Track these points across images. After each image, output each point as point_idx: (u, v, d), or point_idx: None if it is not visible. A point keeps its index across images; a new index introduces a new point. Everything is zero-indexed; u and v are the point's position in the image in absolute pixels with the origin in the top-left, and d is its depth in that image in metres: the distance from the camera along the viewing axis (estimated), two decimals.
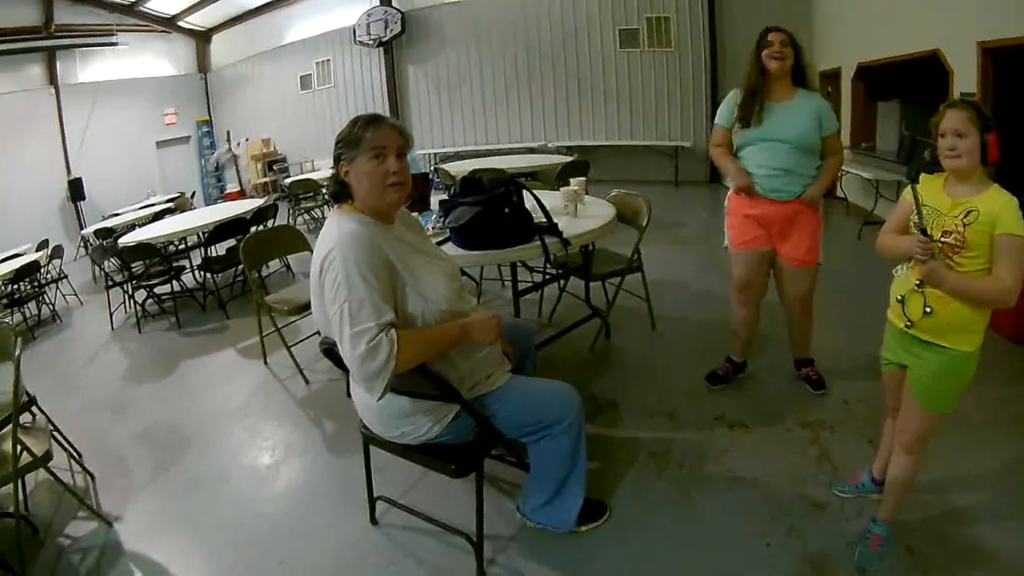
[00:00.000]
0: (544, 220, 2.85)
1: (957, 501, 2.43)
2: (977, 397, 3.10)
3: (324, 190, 8.84)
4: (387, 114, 10.54)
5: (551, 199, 3.26)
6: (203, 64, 14.27)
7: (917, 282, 1.90)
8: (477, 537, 2.18)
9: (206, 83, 14.33)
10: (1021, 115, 4.83)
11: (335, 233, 1.82)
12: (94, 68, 12.23)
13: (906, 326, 1.97)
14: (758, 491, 2.56)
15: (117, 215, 9.31)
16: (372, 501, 2.47)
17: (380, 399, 1.80)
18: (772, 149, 2.93)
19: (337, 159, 1.93)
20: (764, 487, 2.58)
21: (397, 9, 11.36)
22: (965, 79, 5.28)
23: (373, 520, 2.48)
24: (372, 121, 1.89)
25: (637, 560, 2.23)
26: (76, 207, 11.36)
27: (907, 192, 1.94)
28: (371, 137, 1.86)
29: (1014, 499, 2.44)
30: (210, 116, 14.37)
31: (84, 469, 3.08)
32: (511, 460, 2.34)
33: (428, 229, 3.00)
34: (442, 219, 2.85)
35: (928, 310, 1.88)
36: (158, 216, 7.68)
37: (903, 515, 2.26)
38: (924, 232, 1.81)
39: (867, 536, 2.18)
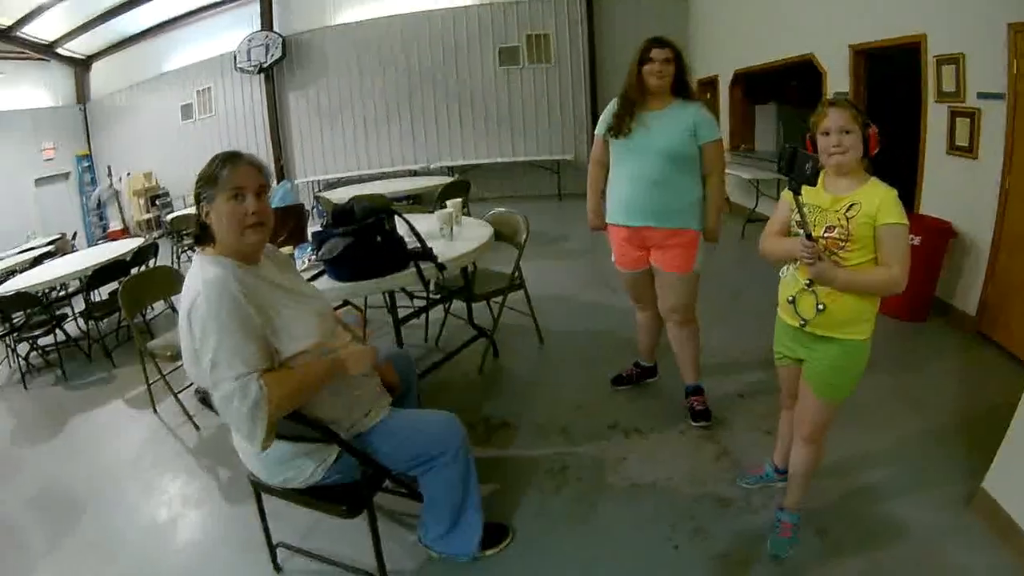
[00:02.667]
0: (419, 246, 2.85)
1: (861, 481, 2.57)
2: (871, 378, 3.28)
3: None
4: (268, 143, 10.31)
5: (427, 222, 3.27)
6: (83, 94, 13.46)
7: (807, 282, 1.96)
8: (380, 574, 2.16)
9: (85, 114, 13.55)
10: (888, 110, 5.24)
11: (199, 279, 1.75)
12: None
13: (800, 325, 2.02)
14: (660, 495, 2.62)
15: None
16: (272, 548, 2.40)
17: (264, 449, 1.76)
18: (642, 159, 2.90)
19: (197, 199, 1.86)
20: (666, 491, 2.65)
21: (278, 33, 11.15)
22: (838, 79, 5.67)
23: (276, 568, 2.41)
24: (228, 159, 1.83)
25: None
26: None
27: (785, 194, 1.98)
28: (228, 176, 1.79)
29: (915, 472, 2.61)
30: (90, 149, 13.61)
31: None
32: (403, 492, 2.32)
33: (304, 262, 2.95)
34: (315, 252, 2.81)
35: (821, 307, 1.94)
36: (38, 260, 7.23)
37: (810, 501, 2.34)
38: (809, 236, 1.85)
39: (776, 525, 2.26)
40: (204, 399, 1.92)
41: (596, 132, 3.15)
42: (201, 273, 1.77)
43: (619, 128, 2.92)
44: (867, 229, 1.85)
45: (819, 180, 1.94)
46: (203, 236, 1.89)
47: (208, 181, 1.82)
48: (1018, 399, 2.22)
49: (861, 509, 2.42)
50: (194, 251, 6.11)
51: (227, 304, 1.71)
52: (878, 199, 1.85)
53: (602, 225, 3.22)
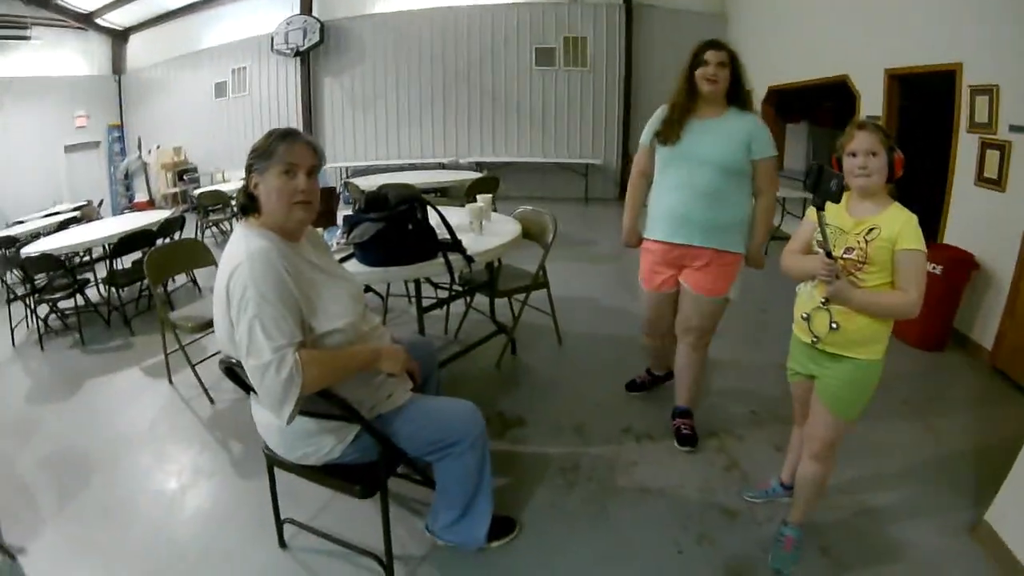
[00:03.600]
0: (448, 237, 2.86)
1: (868, 501, 2.56)
2: (885, 402, 3.30)
3: (234, 203, 8.59)
4: (300, 126, 10.35)
5: (457, 215, 3.28)
6: (118, 65, 13.55)
7: (822, 300, 1.97)
8: (386, 558, 2.17)
9: (120, 86, 13.64)
10: (919, 135, 5.22)
11: (243, 249, 1.78)
12: (4, 62, 11.46)
13: (812, 341, 2.04)
14: (668, 501, 2.63)
15: (21, 223, 8.80)
16: (280, 524, 2.42)
17: (289, 423, 1.78)
18: (691, 169, 2.72)
19: (248, 170, 1.88)
20: (674, 497, 2.66)
21: (316, 18, 11.18)
22: (871, 102, 5.64)
23: (282, 544, 2.42)
24: (287, 135, 1.86)
25: (549, 573, 2.26)
26: None
27: (810, 212, 2.01)
28: (284, 152, 1.82)
29: (922, 496, 2.61)
30: (122, 121, 13.72)
31: None
32: (417, 479, 2.33)
33: (333, 245, 2.96)
34: (346, 235, 2.83)
35: (834, 326, 1.95)
36: (63, 225, 7.31)
37: (816, 517, 2.36)
38: (829, 255, 1.88)
39: (779, 538, 2.27)
40: (229, 369, 1.93)
41: (641, 140, 2.95)
42: (245, 243, 1.79)
43: (667, 134, 2.74)
44: (885, 253, 1.87)
45: (843, 201, 1.95)
46: (248, 207, 1.91)
47: (262, 154, 1.84)
48: None
49: (865, 529, 2.42)
50: (219, 227, 6.21)
51: (270, 276, 1.73)
52: (899, 224, 1.86)
53: (636, 243, 3.06)
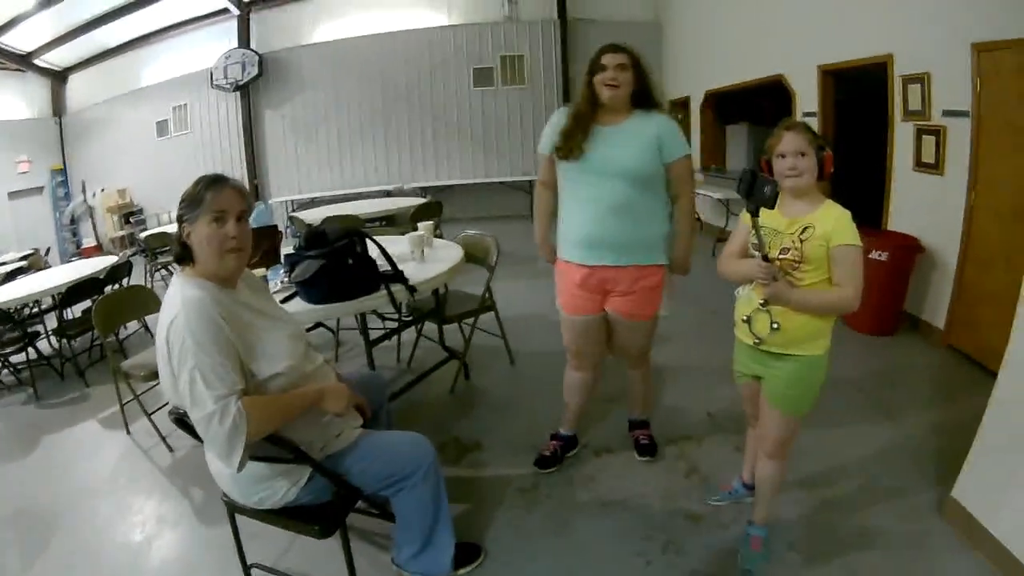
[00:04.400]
0: (389, 268, 2.88)
1: (833, 492, 2.62)
2: (838, 390, 3.38)
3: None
4: (243, 160, 10.25)
5: (399, 245, 3.30)
6: (58, 107, 13.28)
7: (761, 302, 2.01)
8: None
9: (61, 128, 13.38)
10: (856, 127, 5.41)
11: (178, 300, 1.79)
12: None
13: (755, 343, 2.07)
14: (631, 512, 2.66)
15: None
16: (247, 570, 2.41)
17: (240, 470, 1.79)
18: (599, 182, 2.50)
19: (180, 220, 1.89)
20: (637, 507, 2.68)
21: (255, 51, 11.17)
22: (807, 99, 5.84)
23: None
24: (214, 182, 1.88)
25: None
26: None
27: (744, 217, 2.05)
28: (211, 199, 1.84)
29: (887, 480, 2.68)
30: (65, 164, 13.44)
31: None
32: (374, 512, 2.36)
33: (277, 284, 2.97)
34: (288, 274, 2.84)
35: (775, 326, 1.99)
36: (10, 276, 7.14)
37: (781, 513, 2.41)
38: (765, 258, 1.91)
39: (746, 539, 2.31)
40: (180, 419, 1.94)
41: (540, 149, 2.67)
42: (181, 294, 1.81)
43: (569, 148, 2.49)
44: (821, 251, 1.91)
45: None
46: (183, 256, 1.92)
47: (191, 202, 1.86)
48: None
49: (833, 520, 2.47)
50: (168, 270, 6.12)
51: (206, 325, 1.75)
52: (832, 221, 1.91)
53: (553, 257, 2.80)
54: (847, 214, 1.93)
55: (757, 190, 1.83)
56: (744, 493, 2.61)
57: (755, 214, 1.88)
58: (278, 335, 1.98)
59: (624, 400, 3.32)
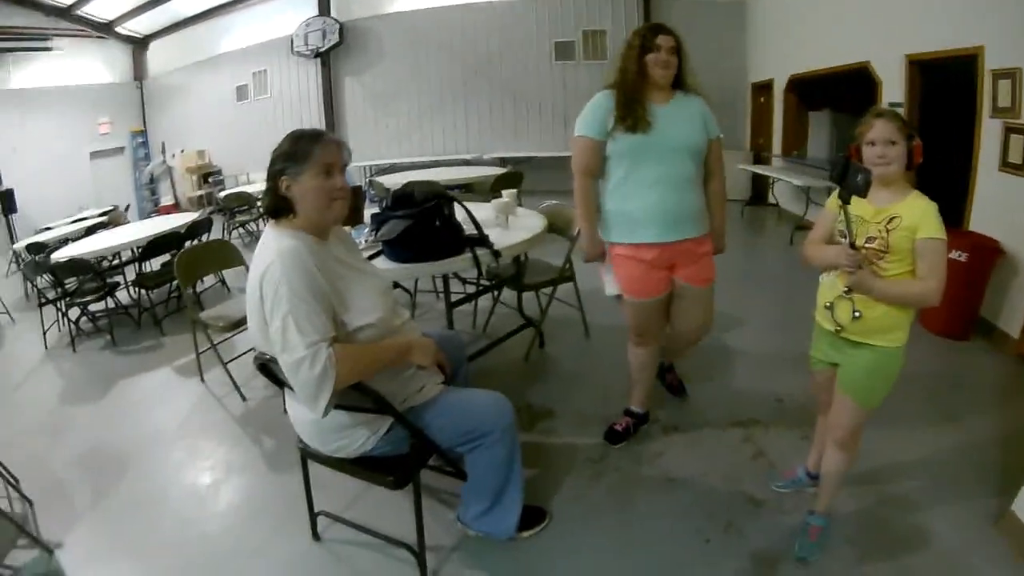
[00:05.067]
0: (475, 232, 2.87)
1: (893, 491, 2.55)
2: (906, 390, 3.26)
3: (259, 203, 8.69)
4: (322, 126, 10.46)
5: (483, 211, 3.29)
6: (139, 72, 13.80)
7: (845, 289, 1.97)
8: (419, 548, 2.20)
9: (142, 92, 13.88)
10: (941, 121, 5.16)
11: (273, 249, 1.82)
12: (27, 73, 11.76)
13: (836, 330, 2.04)
14: (695, 491, 2.63)
15: (50, 229, 8.95)
16: (313, 517, 2.46)
17: (324, 416, 1.81)
18: (667, 159, 2.55)
19: (279, 173, 1.90)
20: (700, 487, 2.66)
21: (335, 19, 11.29)
22: (892, 89, 5.58)
23: (315, 536, 2.47)
24: (317, 137, 1.90)
25: (580, 562, 2.28)
26: (7, 220, 10.83)
27: (831, 203, 2.03)
28: (320, 153, 1.87)
29: (946, 484, 2.58)
30: (145, 126, 13.94)
31: (22, 495, 2.94)
32: (449, 470, 2.36)
33: (361, 243, 2.98)
34: (374, 233, 2.86)
35: (857, 314, 1.95)
36: (91, 230, 7.44)
37: (841, 507, 2.36)
38: (852, 245, 1.87)
39: (805, 528, 2.27)
40: (264, 366, 1.97)
41: (584, 133, 2.61)
42: (276, 243, 1.83)
43: (636, 121, 2.50)
44: (906, 242, 1.87)
45: None
46: (280, 209, 1.93)
47: (294, 157, 1.87)
48: None
49: (890, 519, 2.40)
50: (245, 228, 6.29)
51: (301, 274, 1.77)
52: (919, 212, 1.86)
53: (601, 255, 2.78)
54: (934, 206, 1.88)
55: (851, 178, 1.80)
56: (807, 482, 2.55)
57: (846, 202, 1.86)
58: (368, 288, 2.00)
59: (691, 378, 3.39)
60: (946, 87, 5.18)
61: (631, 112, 2.50)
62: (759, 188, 9.40)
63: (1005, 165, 4.12)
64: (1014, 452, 2.72)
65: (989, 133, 4.29)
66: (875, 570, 2.16)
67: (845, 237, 1.90)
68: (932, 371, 3.66)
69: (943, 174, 4.66)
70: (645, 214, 2.59)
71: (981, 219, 4.39)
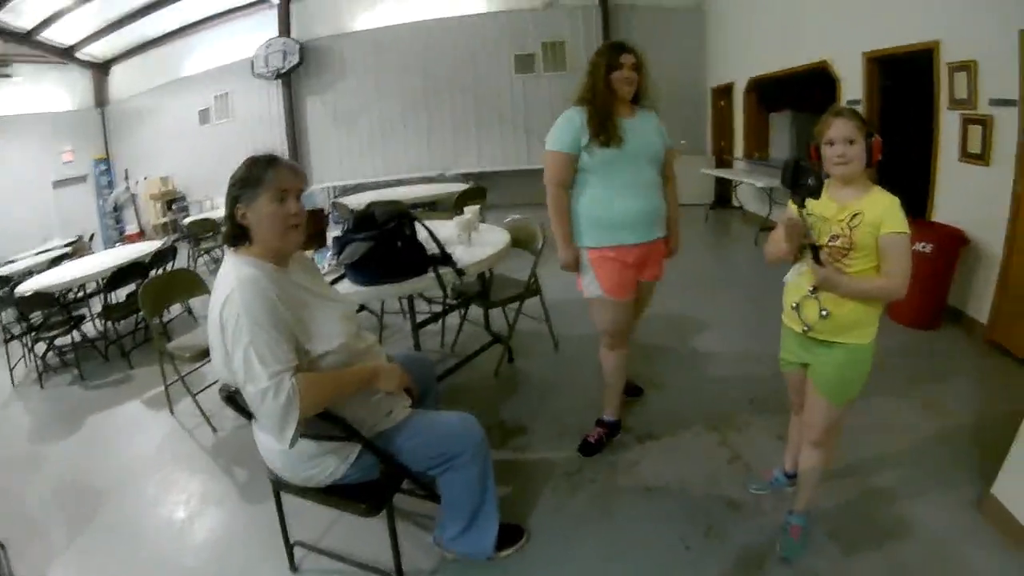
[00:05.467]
0: (438, 251, 2.87)
1: (873, 482, 2.59)
2: (880, 381, 3.32)
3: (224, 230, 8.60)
4: (285, 148, 10.38)
5: (446, 229, 3.29)
6: (101, 97, 13.57)
7: (811, 288, 1.99)
8: (397, 574, 2.18)
9: (103, 118, 13.67)
10: (901, 115, 5.27)
11: (232, 277, 1.80)
12: None
13: (804, 330, 2.06)
14: (673, 497, 2.65)
15: (12, 262, 8.80)
16: (290, 548, 2.43)
17: (292, 446, 1.79)
18: (637, 167, 2.73)
19: (235, 200, 1.89)
20: (679, 493, 2.68)
21: (295, 40, 11.25)
22: (851, 86, 5.70)
23: (293, 567, 2.43)
24: (272, 162, 1.88)
25: None
26: None
27: (791, 207, 2.03)
28: (273, 178, 1.85)
29: (930, 473, 2.63)
30: (107, 153, 13.74)
31: None
32: (421, 493, 2.35)
33: (324, 267, 2.97)
34: (337, 256, 2.84)
35: (824, 313, 1.97)
36: (56, 261, 7.31)
37: (822, 502, 2.38)
38: (814, 247, 1.91)
39: (786, 528, 2.29)
40: (229, 397, 1.95)
41: (554, 148, 2.75)
42: (235, 272, 1.81)
43: (610, 135, 2.66)
44: (869, 238, 1.89)
45: (823, 189, 1.95)
46: (237, 236, 1.92)
47: (249, 182, 1.86)
48: None
49: (872, 511, 2.44)
50: (210, 255, 6.21)
51: (261, 303, 1.76)
52: (881, 208, 1.88)
53: (573, 261, 2.87)
54: (896, 201, 1.90)
55: (802, 180, 1.84)
56: (785, 482, 2.58)
57: (801, 204, 1.90)
58: (330, 314, 1.98)
59: (664, 386, 3.48)
60: (905, 81, 5.30)
61: (604, 128, 2.66)
62: (722, 191, 9.53)
63: (965, 155, 4.22)
64: (990, 436, 2.76)
65: (948, 125, 4.40)
66: (862, 563, 2.19)
67: (807, 241, 1.93)
68: (905, 361, 3.74)
69: (905, 167, 4.77)
70: (625, 218, 2.75)
71: (944, 209, 4.50)
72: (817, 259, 1.94)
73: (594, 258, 2.80)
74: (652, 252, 2.88)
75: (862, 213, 1.89)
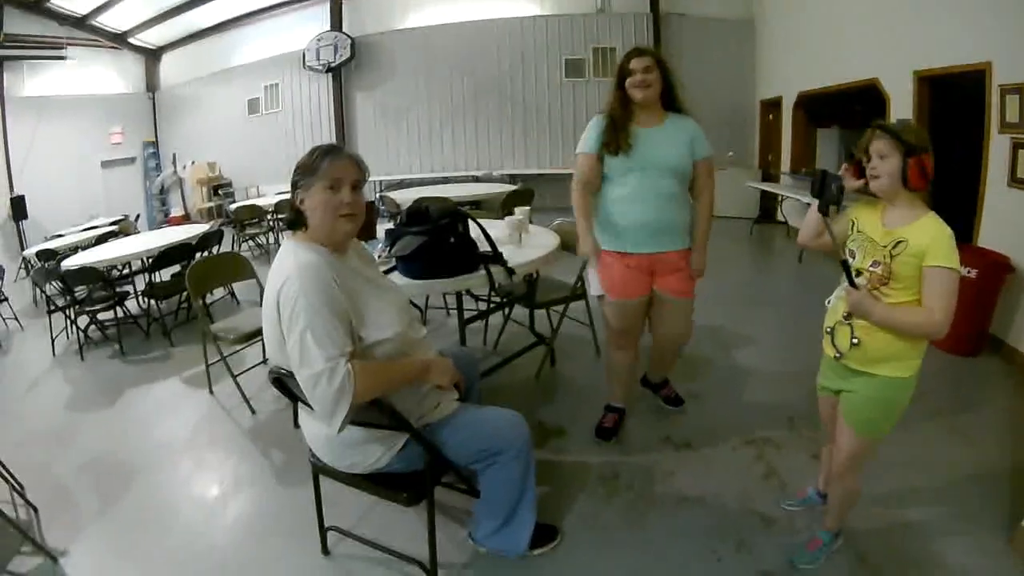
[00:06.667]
0: (489, 249, 2.87)
1: (907, 514, 2.53)
2: (919, 409, 3.26)
3: (270, 217, 8.77)
4: (333, 141, 10.56)
5: (496, 228, 3.28)
6: (152, 83, 13.93)
7: (845, 314, 1.93)
8: (431, 565, 2.19)
9: (154, 102, 14.00)
10: (950, 137, 5.16)
11: (292, 262, 1.82)
12: (41, 81, 11.88)
13: (836, 356, 1.99)
14: (707, 509, 2.62)
15: (60, 236, 9.01)
16: (323, 532, 2.45)
17: (340, 431, 1.81)
18: (649, 177, 2.74)
19: (294, 186, 1.93)
20: (713, 506, 2.65)
21: (347, 35, 11.38)
22: (901, 105, 5.60)
23: (325, 551, 2.45)
24: (330, 151, 1.91)
25: None
26: (18, 226, 10.92)
27: (819, 219, 2.01)
28: (327, 168, 1.87)
29: (959, 506, 2.57)
30: (156, 137, 14.04)
31: (27, 502, 2.94)
32: (461, 487, 2.35)
33: (376, 257, 2.99)
34: (388, 248, 2.86)
35: (855, 341, 1.90)
36: (101, 239, 7.47)
37: (854, 525, 2.35)
38: (845, 263, 1.89)
39: (809, 539, 2.28)
40: (278, 380, 1.97)
41: (584, 149, 2.84)
42: (294, 257, 1.83)
43: (617, 144, 2.72)
44: (911, 268, 1.79)
45: (879, 211, 1.91)
46: (296, 222, 1.95)
47: (307, 170, 1.89)
48: None
49: (902, 540, 2.39)
50: (255, 241, 6.31)
51: (320, 288, 1.77)
52: (928, 238, 1.78)
53: (595, 253, 2.85)
54: (947, 232, 1.78)
55: (826, 188, 1.84)
56: (817, 501, 2.53)
57: (825, 213, 1.88)
58: (386, 303, 1.99)
59: (704, 397, 3.44)
60: (955, 103, 5.19)
61: (613, 138, 2.73)
62: (767, 205, 9.39)
63: (1014, 181, 4.14)
64: None
65: (998, 149, 4.31)
66: None
67: (853, 256, 1.91)
68: (942, 389, 3.66)
69: (953, 190, 4.67)
70: (627, 227, 2.81)
71: (990, 235, 4.40)
72: (851, 281, 1.88)
73: (600, 259, 2.89)
74: (662, 263, 2.85)
75: (906, 241, 1.80)
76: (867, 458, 2.11)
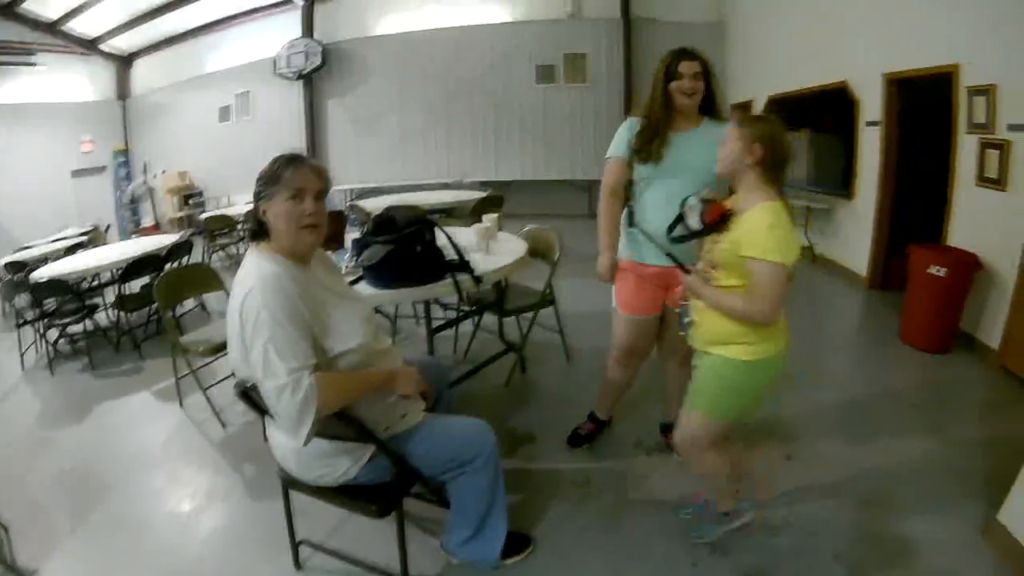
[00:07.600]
0: (456, 257, 2.87)
1: (881, 505, 2.58)
2: (892, 404, 3.40)
3: (240, 226, 8.62)
4: (304, 149, 10.43)
5: (464, 236, 3.29)
6: (123, 90, 13.71)
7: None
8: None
9: (124, 110, 13.80)
10: (919, 138, 5.25)
11: (254, 273, 1.81)
12: (10, 88, 11.64)
13: (681, 334, 2.10)
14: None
15: (29, 248, 8.86)
16: (295, 546, 2.43)
17: (306, 444, 1.79)
18: (679, 184, 2.46)
19: (257, 197, 1.91)
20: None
21: (318, 42, 11.32)
22: (871, 108, 5.68)
23: (297, 565, 2.43)
24: (292, 161, 1.89)
25: None
26: None
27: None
28: (290, 177, 1.85)
29: (933, 498, 2.62)
30: (127, 145, 13.84)
31: None
32: (431, 498, 2.34)
33: (342, 268, 2.97)
34: (356, 258, 2.84)
35: (689, 320, 2.01)
36: (71, 250, 7.36)
37: (828, 522, 2.42)
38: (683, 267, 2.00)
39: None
40: (244, 392, 1.95)
41: (611, 152, 2.71)
42: (257, 268, 1.82)
43: (649, 152, 2.54)
44: (730, 256, 1.84)
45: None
46: (259, 233, 1.93)
47: (269, 180, 1.87)
48: None
49: (877, 534, 2.43)
50: (225, 251, 6.24)
51: (282, 299, 1.76)
52: (746, 227, 1.82)
53: (610, 275, 2.77)
54: (765, 223, 1.79)
55: (674, 225, 2.02)
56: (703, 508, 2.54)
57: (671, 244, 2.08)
58: (350, 314, 1.98)
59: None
60: (924, 104, 5.28)
61: (646, 146, 2.55)
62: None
63: (982, 180, 4.22)
64: (999, 462, 2.75)
65: (966, 149, 4.40)
66: None
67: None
68: (915, 384, 3.74)
69: (922, 190, 4.74)
70: (648, 236, 2.60)
71: (960, 234, 4.47)
72: (680, 265, 1.99)
73: (619, 269, 2.77)
74: (677, 278, 2.69)
75: (731, 229, 1.85)
76: (705, 443, 2.15)
